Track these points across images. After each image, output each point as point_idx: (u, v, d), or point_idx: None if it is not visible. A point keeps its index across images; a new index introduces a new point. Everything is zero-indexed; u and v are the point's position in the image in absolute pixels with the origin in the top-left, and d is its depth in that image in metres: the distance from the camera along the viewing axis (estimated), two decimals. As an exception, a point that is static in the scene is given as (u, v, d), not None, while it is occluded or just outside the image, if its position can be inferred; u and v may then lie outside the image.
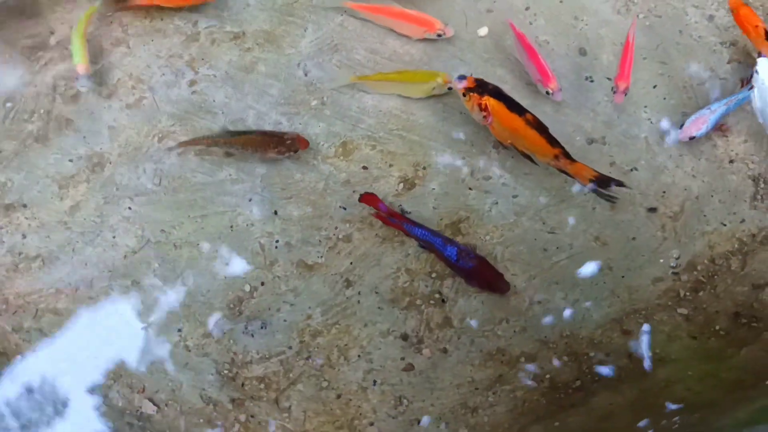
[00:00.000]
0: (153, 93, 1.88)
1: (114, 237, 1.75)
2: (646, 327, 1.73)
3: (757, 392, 1.47)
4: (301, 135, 1.79)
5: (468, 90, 1.74)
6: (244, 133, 1.80)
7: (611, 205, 1.83)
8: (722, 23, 2.05)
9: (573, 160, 1.72)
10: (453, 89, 1.81)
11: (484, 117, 1.74)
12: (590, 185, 1.72)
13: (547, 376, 1.68)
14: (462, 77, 1.76)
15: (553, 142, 1.71)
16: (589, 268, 1.80)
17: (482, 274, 1.70)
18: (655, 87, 1.98)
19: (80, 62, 1.80)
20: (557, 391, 1.66)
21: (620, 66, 1.89)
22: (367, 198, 1.74)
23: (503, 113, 1.72)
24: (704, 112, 1.84)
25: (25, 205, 1.77)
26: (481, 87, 1.73)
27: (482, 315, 1.73)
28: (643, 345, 1.70)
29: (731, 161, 1.90)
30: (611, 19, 2.06)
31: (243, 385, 1.66)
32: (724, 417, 1.42)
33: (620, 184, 1.73)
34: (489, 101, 1.73)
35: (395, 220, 1.73)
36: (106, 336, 1.68)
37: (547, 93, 1.86)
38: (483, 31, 2.01)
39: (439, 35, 1.94)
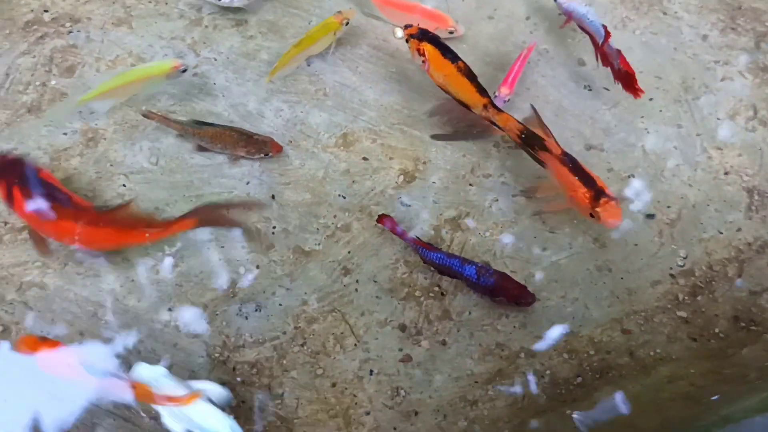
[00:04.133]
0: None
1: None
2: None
3: (765, 384, 1.45)
4: (275, 139, 1.75)
5: (410, 36, 1.80)
6: (213, 125, 1.74)
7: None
8: (715, 42, 2.11)
9: (500, 110, 1.73)
10: (349, 23, 1.88)
11: (423, 62, 1.78)
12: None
13: (548, 372, 1.64)
14: (409, 25, 1.83)
15: (482, 91, 1.75)
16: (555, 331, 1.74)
17: (505, 289, 1.64)
18: (651, 99, 2.01)
19: None
20: (558, 387, 1.62)
21: (507, 75, 1.89)
22: (384, 219, 1.71)
23: (438, 59, 1.77)
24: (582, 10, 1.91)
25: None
26: (421, 34, 1.79)
27: (482, 309, 1.69)
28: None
29: (726, 173, 1.92)
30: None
31: (234, 369, 1.59)
32: (731, 406, 1.39)
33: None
34: (426, 47, 1.78)
35: (411, 243, 1.69)
36: (94, 310, 1.60)
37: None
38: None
39: (451, 32, 1.96)
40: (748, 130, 1.99)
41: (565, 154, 1.67)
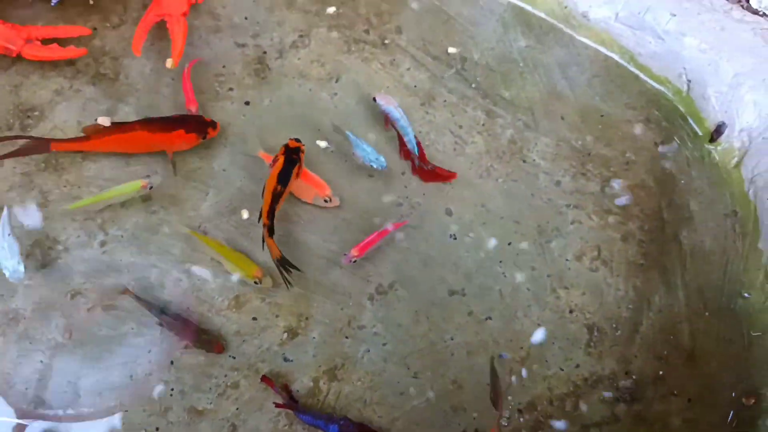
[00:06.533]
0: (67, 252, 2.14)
1: (26, 389, 1.98)
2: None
3: None
4: (221, 345, 2.05)
5: (287, 145, 2.16)
6: (176, 317, 2.06)
7: (467, 351, 2.14)
8: (567, 188, 2.42)
9: (271, 236, 2.05)
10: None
11: (270, 164, 2.14)
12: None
13: None
14: (297, 139, 2.19)
15: (270, 214, 2.06)
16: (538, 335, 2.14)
17: None
18: (509, 244, 2.31)
19: None
20: None
21: (364, 240, 2.18)
22: (266, 380, 2.03)
23: (275, 172, 2.11)
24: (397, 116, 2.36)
25: (-58, 359, 1.99)
26: (290, 150, 2.15)
27: (351, 455, 1.99)
28: None
29: (571, 311, 2.23)
30: (475, 183, 2.40)
31: None
32: None
33: (296, 268, 2.08)
34: (280, 159, 2.13)
35: (284, 406, 2.00)
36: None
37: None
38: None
39: (326, 201, 2.26)
40: (592, 270, 2.30)
41: None
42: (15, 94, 2.35)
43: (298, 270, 2.09)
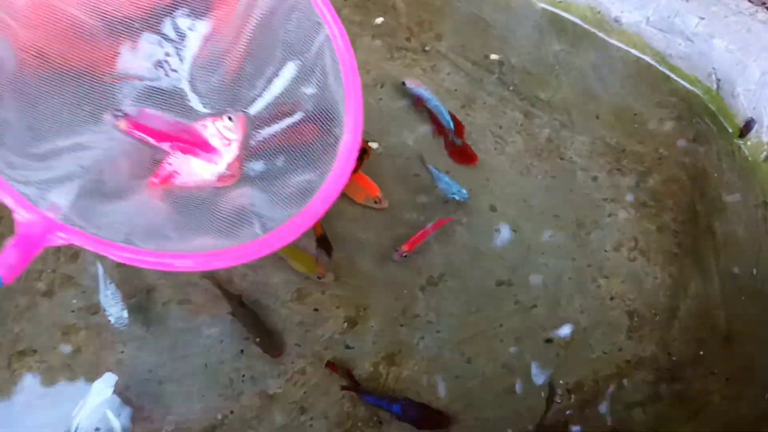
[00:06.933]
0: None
1: (110, 375, 2.13)
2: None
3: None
4: (280, 350, 2.18)
5: (363, 148, 2.33)
6: (250, 313, 2.20)
7: (515, 337, 2.28)
8: (604, 183, 2.56)
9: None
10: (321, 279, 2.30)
11: (364, 154, 2.34)
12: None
13: (463, 489, 2.08)
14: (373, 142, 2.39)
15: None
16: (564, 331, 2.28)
17: (427, 419, 2.10)
18: (551, 237, 2.46)
19: None
20: (471, 498, 2.06)
21: (413, 236, 2.32)
22: (330, 365, 2.18)
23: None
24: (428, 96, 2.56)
25: (35, 351, 2.15)
26: (363, 150, 2.30)
27: (413, 435, 2.14)
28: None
29: (612, 298, 2.37)
30: (516, 180, 2.55)
31: (215, 499, 2.02)
32: None
33: (330, 249, 2.27)
34: (367, 146, 2.35)
35: (349, 389, 2.14)
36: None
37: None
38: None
39: (375, 202, 2.41)
40: (630, 259, 2.44)
41: None
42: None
43: (329, 253, 2.26)
